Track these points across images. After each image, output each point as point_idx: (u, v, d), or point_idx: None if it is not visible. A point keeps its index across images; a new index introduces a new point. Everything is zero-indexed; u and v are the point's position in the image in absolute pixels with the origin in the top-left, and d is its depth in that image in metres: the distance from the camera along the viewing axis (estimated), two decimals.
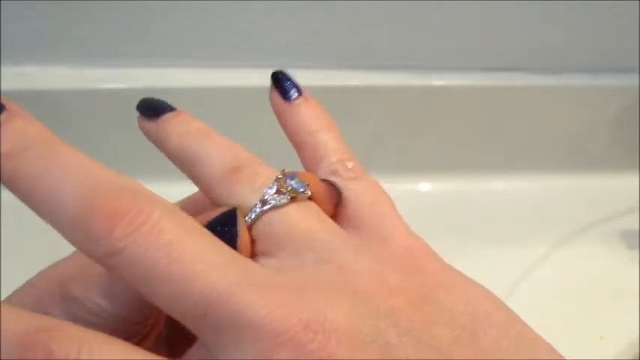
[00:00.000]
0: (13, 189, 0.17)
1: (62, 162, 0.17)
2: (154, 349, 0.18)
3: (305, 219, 0.19)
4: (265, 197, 0.19)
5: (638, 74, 0.52)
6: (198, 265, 0.16)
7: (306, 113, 0.23)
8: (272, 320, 0.16)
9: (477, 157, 0.56)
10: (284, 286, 0.17)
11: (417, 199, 0.55)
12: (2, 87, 0.45)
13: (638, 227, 0.52)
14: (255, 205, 0.19)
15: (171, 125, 0.22)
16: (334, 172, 0.22)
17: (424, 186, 0.56)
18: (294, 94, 0.23)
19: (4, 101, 0.17)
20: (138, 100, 0.23)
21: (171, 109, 0.22)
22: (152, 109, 0.22)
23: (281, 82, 0.24)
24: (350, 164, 0.22)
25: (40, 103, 0.46)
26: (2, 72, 0.46)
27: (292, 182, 0.19)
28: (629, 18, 0.50)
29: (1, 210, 0.48)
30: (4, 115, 0.17)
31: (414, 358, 0.16)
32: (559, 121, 0.55)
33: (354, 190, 0.21)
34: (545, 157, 0.57)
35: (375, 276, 0.18)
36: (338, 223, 0.20)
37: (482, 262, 0.50)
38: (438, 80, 0.51)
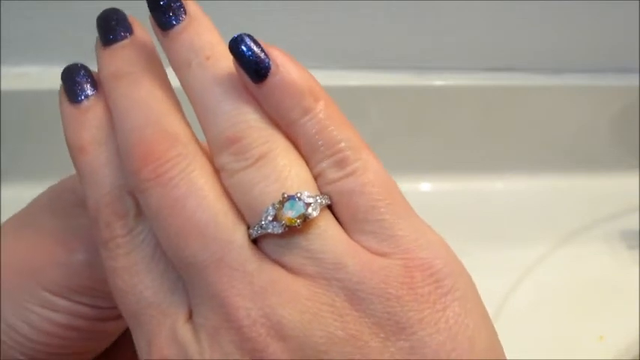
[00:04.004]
0: (108, 102, 0.20)
1: (136, 95, 0.19)
2: None
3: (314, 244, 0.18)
4: (262, 222, 0.18)
5: (638, 74, 0.52)
6: (189, 228, 0.17)
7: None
8: (226, 304, 0.17)
9: (477, 157, 0.56)
10: (255, 278, 0.17)
11: (417, 199, 0.54)
12: (2, 87, 0.45)
13: (638, 227, 0.52)
14: (256, 226, 0.18)
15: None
16: (321, 177, 0.19)
17: (424, 186, 0.56)
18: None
19: (132, 22, 0.21)
20: None
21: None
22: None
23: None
24: (339, 155, 0.18)
25: (40, 103, 0.46)
26: (2, 72, 0.46)
27: (289, 212, 0.17)
28: (629, 18, 0.50)
29: (0, 209, 0.48)
30: (129, 39, 0.20)
31: None
32: (559, 121, 0.54)
33: (345, 195, 0.18)
34: (545, 157, 0.56)
35: (350, 308, 0.17)
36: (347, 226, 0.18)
37: (482, 262, 0.50)
38: (438, 80, 0.51)
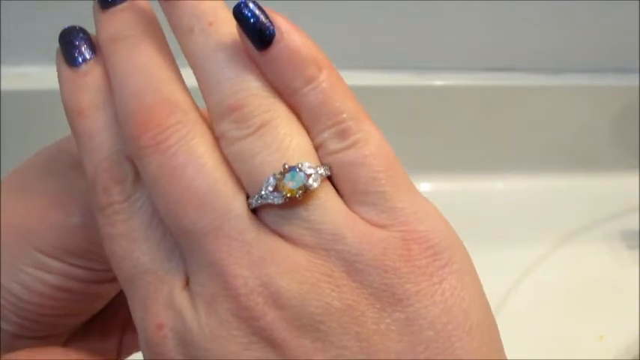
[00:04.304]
0: (106, 66, 0.19)
1: (136, 60, 0.19)
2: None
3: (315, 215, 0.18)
4: (262, 192, 0.17)
5: (638, 74, 0.52)
6: (188, 196, 0.17)
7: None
8: (224, 272, 0.17)
9: (477, 157, 0.56)
10: (253, 248, 0.17)
11: None
12: (2, 87, 0.45)
13: (638, 227, 0.52)
14: (256, 195, 0.18)
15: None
16: (322, 148, 0.18)
17: (424, 186, 0.56)
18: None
19: None
20: None
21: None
22: None
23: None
24: (341, 126, 0.18)
25: (40, 103, 0.46)
26: (2, 72, 0.46)
27: (290, 182, 0.17)
28: (629, 18, 0.50)
29: (1, 209, 0.48)
30: (128, 3, 0.20)
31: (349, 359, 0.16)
32: (559, 121, 0.55)
33: (346, 167, 0.18)
34: (545, 157, 0.57)
35: (348, 276, 0.17)
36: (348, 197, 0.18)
37: (482, 262, 0.50)
38: (438, 80, 0.51)
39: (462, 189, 0.56)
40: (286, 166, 0.17)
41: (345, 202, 0.18)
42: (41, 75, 0.46)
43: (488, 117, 0.54)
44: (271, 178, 0.17)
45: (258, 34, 0.18)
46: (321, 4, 0.47)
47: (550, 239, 0.52)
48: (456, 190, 0.56)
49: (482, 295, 0.18)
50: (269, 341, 0.16)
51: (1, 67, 0.46)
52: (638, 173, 0.56)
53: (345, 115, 0.18)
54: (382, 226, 0.17)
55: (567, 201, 0.55)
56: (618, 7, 0.49)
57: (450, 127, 0.54)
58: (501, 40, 0.50)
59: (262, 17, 0.18)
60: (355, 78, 0.50)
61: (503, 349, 0.18)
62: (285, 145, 0.18)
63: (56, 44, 0.21)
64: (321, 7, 0.47)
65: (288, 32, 0.18)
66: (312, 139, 0.18)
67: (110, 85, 0.19)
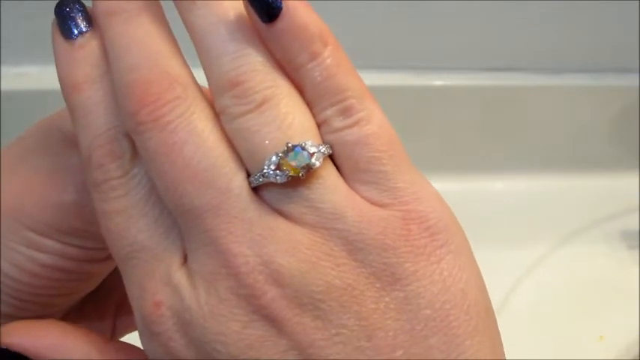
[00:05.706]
0: (105, 40, 0.19)
1: (133, 33, 0.18)
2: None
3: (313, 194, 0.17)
4: (264, 171, 0.17)
5: (638, 74, 0.52)
6: (187, 174, 0.17)
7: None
8: (224, 250, 0.17)
9: (477, 157, 0.56)
10: (253, 226, 0.17)
11: None
12: (2, 87, 0.45)
13: (638, 227, 0.52)
14: (258, 174, 0.17)
15: None
16: (325, 125, 0.18)
17: None
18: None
19: None
20: None
21: None
22: None
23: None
24: (344, 104, 0.18)
25: (40, 103, 0.46)
26: (2, 72, 0.46)
27: (293, 161, 0.17)
28: (629, 18, 0.50)
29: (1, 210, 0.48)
30: None
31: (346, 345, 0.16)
32: (559, 121, 0.55)
33: (349, 145, 0.18)
34: (545, 157, 0.57)
35: (347, 256, 0.17)
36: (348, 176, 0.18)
37: (482, 262, 0.50)
38: (438, 80, 0.51)
39: (462, 189, 0.56)
40: (289, 145, 0.17)
41: (346, 180, 0.18)
42: (41, 75, 0.46)
43: (489, 117, 0.54)
44: (274, 157, 0.17)
45: (265, 7, 0.18)
46: (320, 4, 0.46)
47: (550, 239, 0.52)
48: (455, 190, 0.56)
49: (479, 276, 0.18)
50: (269, 319, 0.16)
51: (1, 67, 0.46)
52: (638, 173, 0.56)
53: (349, 93, 0.18)
54: (383, 206, 0.17)
55: (567, 201, 0.55)
56: (618, 7, 0.49)
57: (450, 127, 0.54)
58: (501, 40, 0.50)
59: None
60: None
61: (498, 329, 0.18)
62: (287, 122, 0.17)
63: None
64: (321, 7, 0.47)
65: (295, 7, 0.18)
66: (314, 115, 0.18)
67: (107, 59, 0.19)
